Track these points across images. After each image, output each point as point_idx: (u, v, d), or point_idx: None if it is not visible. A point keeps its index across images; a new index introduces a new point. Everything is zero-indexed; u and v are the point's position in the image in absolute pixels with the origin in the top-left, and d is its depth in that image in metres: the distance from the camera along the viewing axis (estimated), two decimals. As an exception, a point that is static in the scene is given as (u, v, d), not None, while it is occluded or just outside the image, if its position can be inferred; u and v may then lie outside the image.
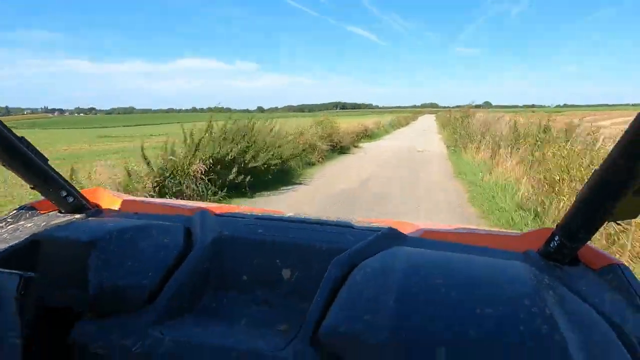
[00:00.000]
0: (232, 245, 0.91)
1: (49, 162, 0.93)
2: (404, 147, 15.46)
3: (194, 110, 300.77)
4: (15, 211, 1.05)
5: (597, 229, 0.67)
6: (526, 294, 0.60)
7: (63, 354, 0.75)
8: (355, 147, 15.25)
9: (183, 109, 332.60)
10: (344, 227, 0.95)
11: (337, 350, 0.62)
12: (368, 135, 19.60)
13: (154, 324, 0.74)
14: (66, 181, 0.99)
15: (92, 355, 0.72)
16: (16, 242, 0.84)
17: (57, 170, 0.96)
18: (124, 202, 1.13)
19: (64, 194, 0.98)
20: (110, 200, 1.13)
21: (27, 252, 0.82)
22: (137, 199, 1.25)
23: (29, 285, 0.70)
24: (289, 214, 1.09)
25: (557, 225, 0.74)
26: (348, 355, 0.61)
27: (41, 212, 1.05)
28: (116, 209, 1.10)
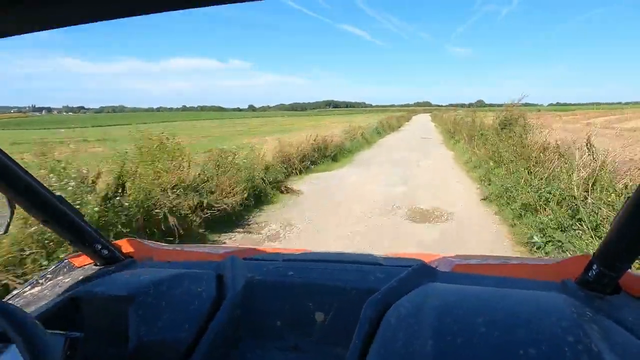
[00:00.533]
0: (263, 290, 0.90)
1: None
2: (392, 187, 6.78)
3: (184, 108, 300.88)
4: (53, 267, 1.08)
5: (635, 258, 0.65)
6: (569, 329, 0.56)
7: None
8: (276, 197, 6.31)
9: (174, 107, 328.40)
10: (373, 265, 0.94)
11: None
12: (328, 155, 10.25)
13: None
14: (99, 234, 1.01)
15: None
16: (57, 299, 0.86)
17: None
18: (155, 250, 1.15)
19: (99, 247, 1.00)
20: (142, 250, 1.14)
21: (68, 310, 0.84)
22: (168, 246, 1.26)
23: (75, 346, 0.73)
24: (313, 251, 1.11)
25: (594, 254, 0.71)
26: None
27: (77, 266, 1.07)
28: (148, 257, 1.12)
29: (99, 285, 0.88)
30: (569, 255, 2.81)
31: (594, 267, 0.70)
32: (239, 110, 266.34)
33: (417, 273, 0.83)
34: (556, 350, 0.53)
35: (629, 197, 0.59)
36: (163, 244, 1.31)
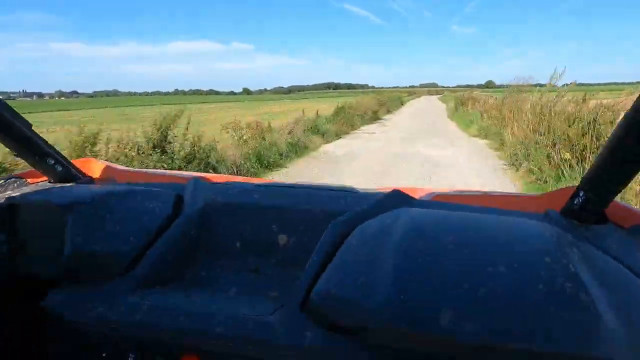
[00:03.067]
0: (225, 212, 0.86)
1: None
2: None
3: (175, 92, 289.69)
4: (2, 181, 1.01)
5: (627, 183, 0.63)
6: (547, 250, 0.55)
7: (37, 324, 0.73)
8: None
9: (169, 91, 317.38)
10: (346, 192, 0.89)
11: (329, 316, 0.58)
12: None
13: (133, 292, 0.71)
14: (54, 149, 0.95)
15: (67, 324, 0.69)
16: None
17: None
18: (119, 172, 1.09)
19: (52, 162, 0.94)
20: (105, 171, 1.07)
21: (4, 217, 0.78)
22: (133, 169, 1.19)
23: None
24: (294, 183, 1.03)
25: (582, 179, 0.68)
26: (342, 321, 0.57)
27: (30, 181, 1.01)
28: (109, 178, 1.05)
29: (39, 195, 0.83)
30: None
31: (581, 193, 0.68)
32: (233, 94, 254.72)
33: (392, 199, 0.79)
34: (530, 268, 0.52)
35: (625, 115, 0.57)
36: (129, 167, 1.24)
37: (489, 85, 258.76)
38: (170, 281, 0.76)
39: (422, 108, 27.67)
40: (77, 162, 1.04)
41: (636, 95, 0.56)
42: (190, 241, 0.82)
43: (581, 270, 0.52)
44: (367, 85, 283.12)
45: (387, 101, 24.03)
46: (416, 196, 0.85)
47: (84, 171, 1.04)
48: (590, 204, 0.67)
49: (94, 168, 1.07)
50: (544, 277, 0.51)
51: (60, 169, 0.95)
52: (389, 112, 21.38)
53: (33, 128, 0.89)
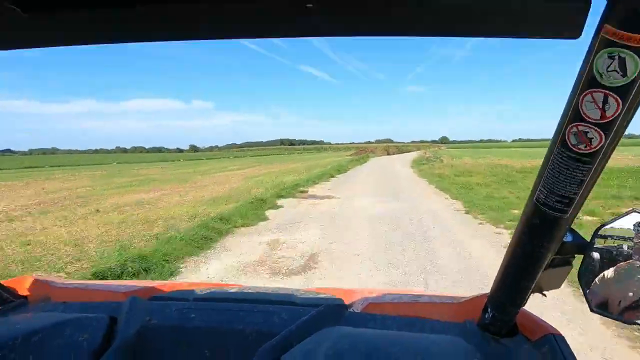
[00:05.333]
0: (159, 335, 0.85)
1: None
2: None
3: (117, 149, 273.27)
4: None
5: (523, 302, 0.67)
6: None
7: None
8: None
9: (110, 149, 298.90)
10: (282, 305, 0.91)
11: None
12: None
13: None
14: None
15: None
16: None
17: None
18: (53, 289, 1.06)
19: None
20: (39, 288, 1.06)
21: None
22: (70, 284, 1.13)
23: None
24: (241, 286, 1.05)
25: (487, 297, 0.73)
26: None
27: None
28: (44, 296, 1.03)
29: None
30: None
31: (489, 309, 0.72)
32: (179, 150, 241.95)
33: (322, 315, 0.82)
34: None
35: (509, 245, 0.61)
36: (65, 281, 1.16)
37: (444, 140, 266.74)
38: None
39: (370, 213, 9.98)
40: (12, 282, 1.04)
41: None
42: None
43: None
44: (322, 141, 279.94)
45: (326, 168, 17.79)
46: (351, 300, 0.91)
47: (18, 290, 1.02)
48: (497, 319, 0.71)
49: (28, 286, 1.05)
50: None
51: None
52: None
53: None
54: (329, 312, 0.84)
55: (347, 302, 0.90)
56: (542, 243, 0.55)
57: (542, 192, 0.49)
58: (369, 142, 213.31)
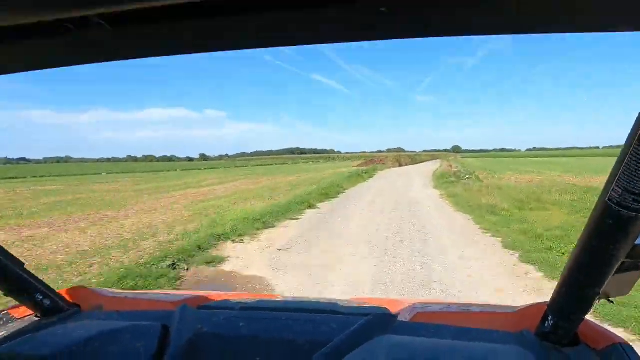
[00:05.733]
0: (210, 344, 0.86)
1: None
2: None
3: (128, 158, 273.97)
4: None
5: (589, 308, 0.64)
6: None
7: None
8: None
9: (122, 157, 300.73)
10: (329, 314, 0.91)
11: None
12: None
13: None
14: (41, 282, 0.97)
15: None
16: None
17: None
18: (105, 298, 1.09)
19: (40, 297, 0.96)
20: (90, 298, 1.09)
21: None
22: (120, 293, 1.17)
23: None
24: (281, 297, 1.08)
25: (547, 305, 0.71)
26: None
27: (17, 317, 1.01)
28: (97, 305, 1.07)
29: (26, 343, 0.83)
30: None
31: (549, 318, 0.70)
32: (189, 159, 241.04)
33: (371, 324, 0.82)
34: None
35: (574, 250, 0.59)
36: (115, 290, 1.21)
37: (456, 150, 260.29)
38: None
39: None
40: (64, 292, 1.07)
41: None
42: None
43: None
44: (333, 150, 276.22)
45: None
46: (396, 310, 0.90)
47: (71, 300, 1.05)
48: (559, 328, 0.68)
49: (82, 296, 1.08)
50: None
51: (48, 302, 0.97)
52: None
53: None
54: (378, 321, 0.84)
55: (393, 311, 0.89)
56: (614, 245, 0.52)
57: (616, 191, 0.47)
58: (380, 152, 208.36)
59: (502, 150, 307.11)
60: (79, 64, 0.49)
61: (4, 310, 1.02)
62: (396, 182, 18.95)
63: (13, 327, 0.94)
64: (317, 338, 0.81)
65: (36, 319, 0.98)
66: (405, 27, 0.41)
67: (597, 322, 0.67)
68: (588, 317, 0.69)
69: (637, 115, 0.41)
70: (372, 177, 23.48)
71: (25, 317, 1.00)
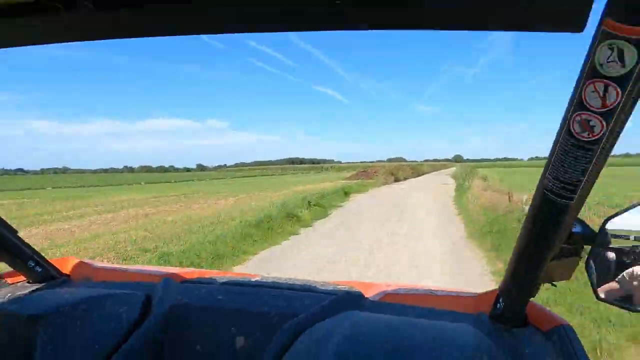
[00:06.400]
0: (188, 314, 0.90)
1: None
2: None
3: (124, 168, 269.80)
4: None
5: (533, 292, 0.69)
6: (466, 358, 0.60)
7: None
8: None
9: (119, 168, 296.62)
10: (303, 292, 0.95)
11: None
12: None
13: None
14: (35, 251, 1.02)
15: None
16: None
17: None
18: (94, 269, 1.13)
19: (32, 264, 1.01)
20: (81, 269, 1.13)
21: None
22: (108, 266, 1.22)
23: None
24: (260, 277, 1.08)
25: (498, 289, 0.76)
26: None
27: (9, 283, 1.07)
28: (86, 276, 1.11)
29: (14, 302, 0.87)
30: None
31: (500, 300, 0.75)
32: (187, 170, 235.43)
33: (342, 300, 0.86)
34: None
35: (519, 236, 0.62)
36: (105, 263, 1.25)
37: (458, 159, 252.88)
38: None
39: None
40: (56, 261, 1.10)
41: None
42: (156, 345, 0.85)
43: None
44: (332, 160, 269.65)
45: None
46: (369, 294, 0.93)
47: (62, 269, 1.10)
48: (508, 310, 0.74)
49: (71, 266, 1.12)
50: None
51: (40, 269, 1.02)
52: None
53: None
54: (349, 298, 0.88)
55: (365, 293, 0.93)
56: (550, 231, 0.56)
57: (548, 179, 0.50)
58: (381, 161, 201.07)
59: (505, 159, 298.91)
60: (65, 41, 0.50)
61: None
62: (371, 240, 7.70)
63: (4, 291, 1.00)
64: (290, 311, 0.84)
65: (28, 284, 1.04)
66: (403, 17, 0.41)
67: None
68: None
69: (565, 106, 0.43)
70: (340, 205, 14.06)
71: (17, 282, 1.06)
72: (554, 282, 0.67)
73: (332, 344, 0.62)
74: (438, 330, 0.68)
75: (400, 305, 0.87)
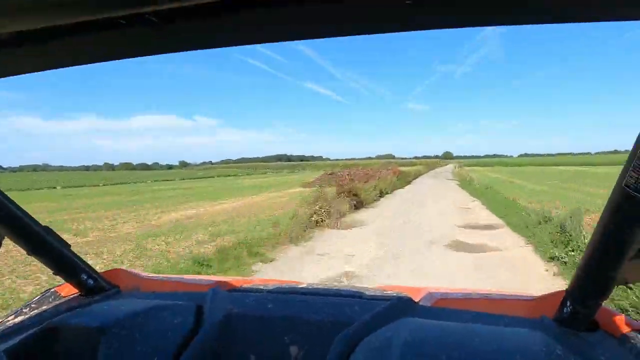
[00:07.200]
0: (241, 323, 0.90)
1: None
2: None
3: (104, 165, 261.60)
4: (39, 296, 1.07)
5: (607, 294, 0.65)
6: None
7: None
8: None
9: (99, 164, 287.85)
10: (352, 298, 0.93)
11: None
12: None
13: None
14: (86, 264, 1.03)
15: None
16: (34, 329, 0.86)
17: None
18: (141, 280, 1.14)
19: (85, 277, 1.02)
20: (129, 280, 1.14)
21: (45, 340, 0.84)
22: (155, 277, 1.23)
23: None
24: (306, 284, 1.08)
25: (566, 290, 0.72)
26: None
27: (63, 295, 1.07)
28: (134, 287, 1.11)
29: (76, 316, 0.87)
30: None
31: (568, 303, 0.71)
32: (169, 167, 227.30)
33: (394, 307, 0.83)
34: None
35: (592, 236, 0.60)
36: (151, 274, 1.26)
37: (448, 156, 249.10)
38: None
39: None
40: (106, 273, 1.10)
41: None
42: (211, 355, 0.84)
43: None
44: (321, 157, 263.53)
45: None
46: (418, 297, 0.90)
47: (112, 281, 1.10)
48: (577, 313, 0.69)
49: (121, 277, 1.12)
50: None
51: (92, 282, 1.02)
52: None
53: None
54: (401, 305, 0.85)
55: (415, 298, 0.90)
56: (630, 230, 0.53)
57: (632, 176, 0.48)
58: (370, 158, 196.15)
59: (495, 156, 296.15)
60: (131, 57, 0.51)
61: (51, 289, 1.09)
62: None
63: (60, 304, 1.01)
64: (341, 319, 0.83)
65: (81, 297, 1.04)
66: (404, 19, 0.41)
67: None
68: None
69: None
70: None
71: (70, 295, 1.06)
72: (629, 284, 0.60)
73: (394, 354, 0.61)
74: (500, 336, 0.65)
75: (452, 310, 0.84)
